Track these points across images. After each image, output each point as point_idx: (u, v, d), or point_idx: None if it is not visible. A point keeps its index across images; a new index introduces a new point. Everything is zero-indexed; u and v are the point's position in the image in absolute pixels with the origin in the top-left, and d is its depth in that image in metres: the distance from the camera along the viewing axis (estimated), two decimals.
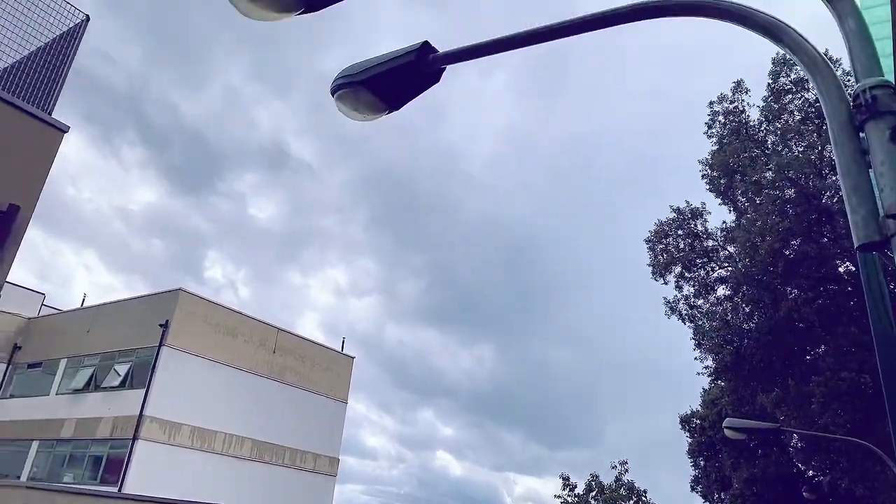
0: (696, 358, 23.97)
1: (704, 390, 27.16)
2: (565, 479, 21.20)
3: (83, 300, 33.83)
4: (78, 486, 20.36)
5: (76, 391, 25.81)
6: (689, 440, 27.08)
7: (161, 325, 24.14)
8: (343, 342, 37.11)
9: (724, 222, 23.86)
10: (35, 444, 25.98)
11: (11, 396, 28.62)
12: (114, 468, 22.64)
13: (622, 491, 20.82)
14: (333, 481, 28.88)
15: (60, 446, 25.22)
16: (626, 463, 20.89)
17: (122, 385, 24.40)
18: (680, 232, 24.21)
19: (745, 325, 21.75)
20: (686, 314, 24.06)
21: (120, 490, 21.00)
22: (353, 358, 32.35)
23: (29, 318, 30.97)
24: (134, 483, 21.19)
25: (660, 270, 24.06)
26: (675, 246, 24.26)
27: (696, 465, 26.86)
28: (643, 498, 20.43)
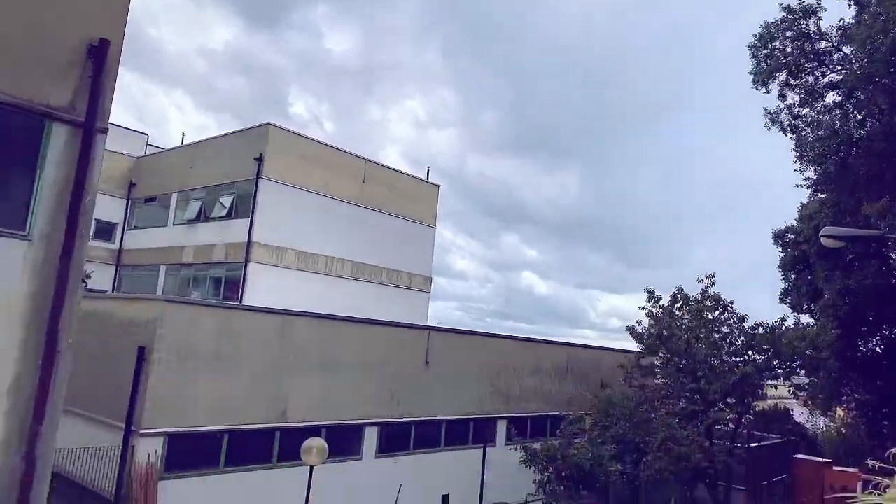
0: (795, 170, 22.76)
1: (802, 205, 26.09)
2: (650, 292, 21.67)
3: (182, 139, 35.70)
4: (205, 299, 23.08)
5: (190, 222, 28.23)
6: (782, 255, 26.67)
7: (256, 159, 25.31)
8: (428, 171, 37.68)
9: (841, 20, 21.21)
10: (163, 269, 29.21)
11: (136, 228, 31.77)
12: (232, 288, 25.29)
13: (708, 303, 21.16)
14: (427, 297, 31.09)
15: (184, 270, 28.24)
16: (713, 276, 20.95)
17: (229, 215, 26.37)
18: (788, 34, 21.81)
19: (854, 133, 20.12)
20: (788, 125, 22.45)
21: None
22: (438, 186, 33.06)
23: (137, 157, 33.26)
24: (250, 300, 23.69)
25: (763, 78, 22.17)
26: (782, 50, 22.03)
27: (786, 279, 26.68)
28: (729, 309, 20.71)
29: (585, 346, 26.85)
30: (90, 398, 14.57)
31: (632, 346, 22.39)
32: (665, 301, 21.17)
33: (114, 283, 31.37)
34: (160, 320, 14.02)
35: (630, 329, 21.67)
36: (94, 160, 9.39)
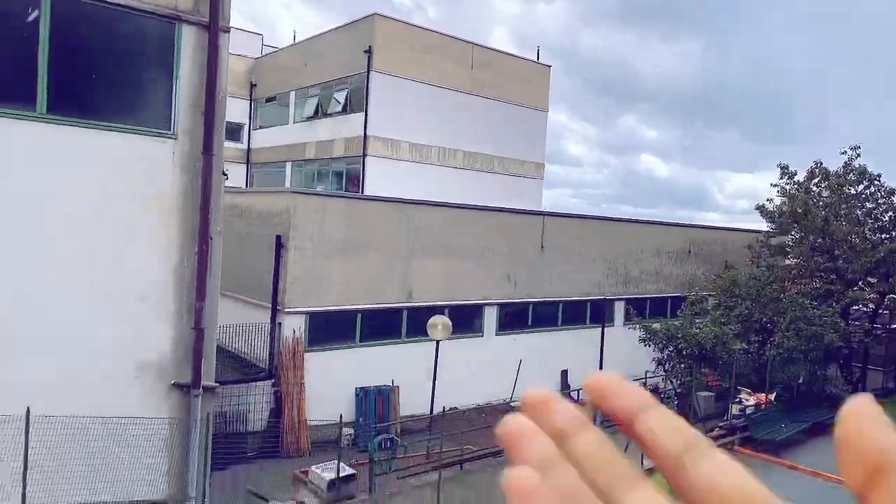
0: None
1: None
2: (783, 167, 20.16)
3: (294, 37, 36.33)
4: (329, 191, 24.42)
5: (309, 119, 29.31)
6: None
7: (365, 52, 25.39)
8: (538, 51, 36.01)
9: None
10: (289, 165, 30.91)
11: (261, 127, 33.52)
12: (353, 181, 26.42)
13: (851, 177, 19.40)
14: (541, 184, 30.81)
15: (308, 165, 29.74)
16: (859, 148, 19.02)
17: (344, 110, 27.05)
18: None
19: None
20: None
21: None
22: (549, 67, 31.66)
23: (255, 58, 34.43)
24: (370, 192, 24.70)
25: None
26: None
27: None
28: (876, 181, 18.88)
29: (709, 228, 25.78)
30: (240, 283, 16.27)
31: (761, 226, 21.24)
32: (801, 177, 19.63)
33: (246, 180, 33.74)
34: (293, 210, 15.11)
35: (760, 208, 20.48)
36: (221, 58, 9.94)
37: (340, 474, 11.11)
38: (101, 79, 9.37)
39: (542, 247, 19.60)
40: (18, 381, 7.77)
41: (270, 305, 15.09)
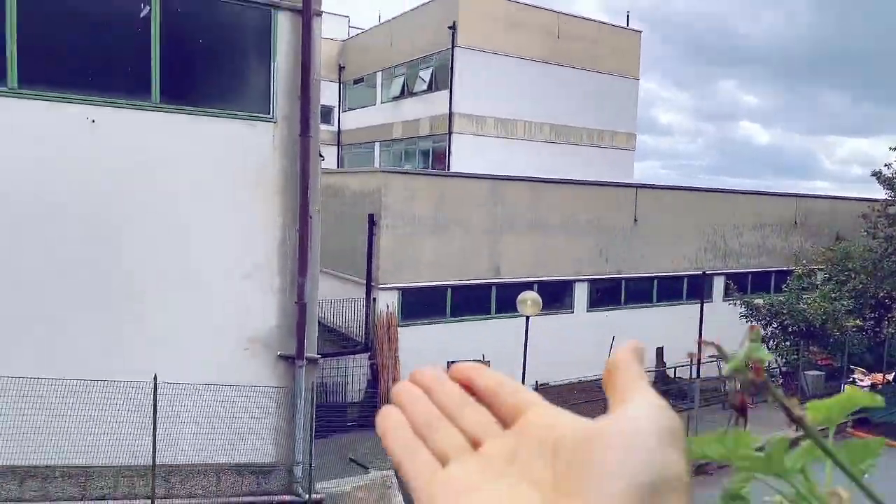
0: None
1: None
2: None
3: (379, 17, 36.74)
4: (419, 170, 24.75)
5: (395, 98, 29.69)
6: None
7: (449, 28, 25.32)
8: (627, 17, 34.58)
9: None
10: (377, 146, 31.52)
11: (349, 109, 34.31)
12: (439, 158, 26.61)
13: None
14: (632, 156, 29.81)
15: (395, 145, 30.20)
16: None
17: (429, 89, 27.18)
18: None
19: None
20: None
21: None
22: (639, 32, 30.36)
23: (343, 41, 35.15)
24: (456, 170, 24.79)
25: None
26: None
27: None
28: None
29: (817, 197, 24.08)
30: (336, 260, 16.86)
31: (877, 194, 19.63)
32: None
33: (337, 161, 34.74)
34: (384, 189, 15.44)
35: (877, 174, 18.93)
36: (314, 42, 10.24)
37: None
38: (207, 68, 9.89)
39: (636, 220, 19.03)
40: (146, 353, 8.48)
41: (365, 282, 15.58)
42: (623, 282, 19.15)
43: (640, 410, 0.36)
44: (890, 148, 18.41)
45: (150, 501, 8.04)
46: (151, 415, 7.74)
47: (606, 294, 18.90)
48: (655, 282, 19.69)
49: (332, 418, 13.26)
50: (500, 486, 0.36)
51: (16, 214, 8.14)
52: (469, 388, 0.43)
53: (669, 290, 19.98)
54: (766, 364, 0.53)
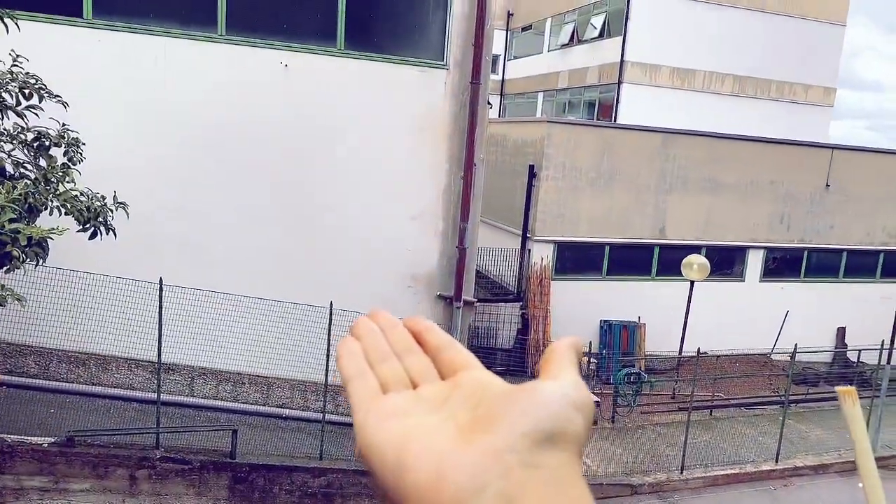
0: None
1: None
2: None
3: None
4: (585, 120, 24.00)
5: (563, 46, 28.75)
6: None
7: None
8: None
9: None
10: (541, 95, 30.94)
11: (515, 58, 33.86)
12: (605, 111, 25.54)
13: None
14: (829, 113, 26.48)
15: (560, 95, 29.43)
16: None
17: (600, 36, 25.92)
18: None
19: None
20: None
21: None
22: None
23: None
24: (625, 122, 23.65)
25: None
26: None
27: None
28: None
29: None
30: (494, 210, 17.06)
31: None
32: None
33: (499, 110, 34.66)
34: (547, 140, 15.20)
35: None
36: None
37: None
38: (386, 17, 10.22)
39: (828, 185, 17.03)
40: (321, 281, 9.29)
41: (521, 233, 15.63)
42: (805, 252, 17.36)
43: (557, 381, 0.42)
44: None
45: (321, 414, 8.93)
46: (326, 338, 8.51)
47: (784, 264, 17.28)
48: (845, 255, 17.62)
49: (483, 362, 13.67)
50: (425, 418, 0.42)
51: (218, 149, 9.15)
52: (419, 341, 0.49)
53: (860, 265, 17.79)
54: None
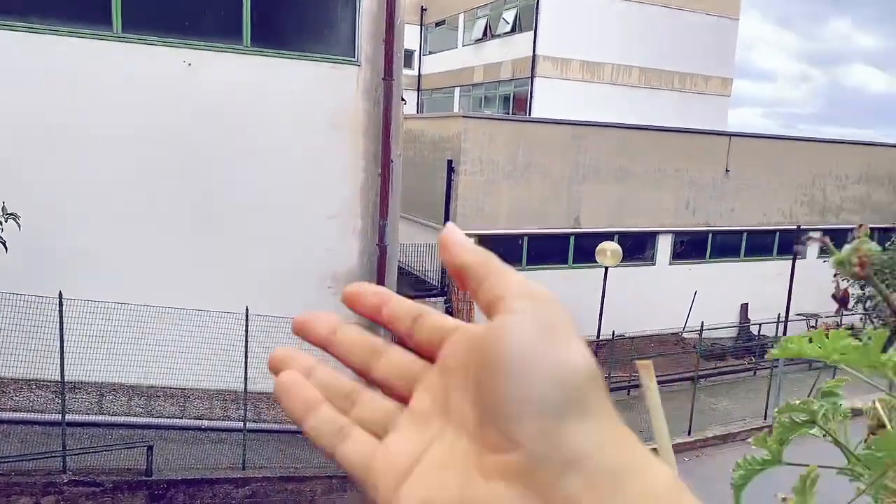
0: None
1: None
2: None
3: None
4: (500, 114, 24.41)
5: (477, 41, 29.09)
6: None
7: None
8: None
9: None
10: (457, 90, 31.18)
11: (430, 53, 33.95)
12: (520, 104, 26.06)
13: None
14: (727, 102, 28.11)
15: (476, 90, 29.78)
16: None
17: (513, 30, 26.41)
18: None
19: None
20: None
21: None
22: None
23: None
24: (538, 115, 24.22)
25: None
26: None
27: None
28: None
29: None
30: (415, 205, 17.08)
31: None
32: None
33: (417, 106, 34.69)
34: (463, 135, 15.36)
35: None
36: None
37: None
38: (295, 13, 10.01)
39: (727, 170, 18.10)
40: (241, 284, 9.02)
41: (442, 227, 15.74)
42: (710, 235, 18.42)
43: (523, 314, 0.32)
44: None
45: (242, 423, 8.69)
46: (244, 345, 8.28)
47: (691, 247, 18.26)
48: (745, 235, 18.82)
49: None
50: (437, 451, 0.32)
51: (118, 153, 8.71)
52: (377, 319, 0.38)
53: (759, 244, 19.06)
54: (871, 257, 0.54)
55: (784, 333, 14.30)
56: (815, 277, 18.33)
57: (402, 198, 14.66)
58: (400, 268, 16.86)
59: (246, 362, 8.30)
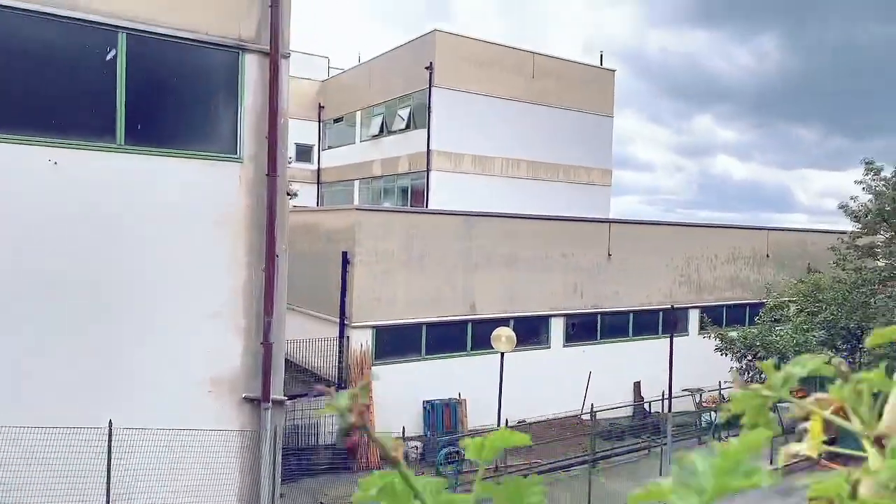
0: None
1: None
2: (868, 163, 18.98)
3: (359, 57, 37.35)
4: (394, 207, 24.86)
5: (374, 137, 30.01)
6: None
7: (426, 68, 25.80)
8: (601, 56, 35.53)
9: None
10: (357, 183, 31.69)
11: (329, 147, 34.56)
12: (418, 196, 26.79)
13: None
14: (608, 191, 30.22)
15: (375, 182, 30.39)
16: None
17: (407, 127, 27.54)
18: None
19: None
20: None
21: None
22: (613, 71, 31.13)
23: (322, 81, 35.61)
24: (435, 206, 24.95)
25: None
26: None
27: None
28: None
29: (788, 230, 24.50)
30: (311, 299, 16.77)
31: (847, 227, 20.00)
32: (888, 172, 18.38)
33: (317, 199, 34.82)
34: (357, 227, 15.47)
35: (843, 207, 19.33)
36: (282, 85, 10.35)
37: None
38: (173, 109, 9.95)
39: (609, 255, 19.19)
40: (109, 394, 8.30)
41: (339, 320, 15.47)
42: (599, 316, 19.20)
43: None
44: (854, 181, 18.85)
45: None
46: (105, 463, 7.53)
47: (583, 329, 18.91)
48: (631, 316, 19.77)
49: (303, 461, 12.99)
50: None
51: None
52: None
53: (645, 324, 20.05)
54: (368, 406, 0.56)
55: (669, 410, 14.83)
56: (698, 352, 19.40)
57: (298, 291, 14.38)
58: (296, 365, 16.27)
59: (108, 484, 7.52)
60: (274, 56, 10.06)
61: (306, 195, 32.61)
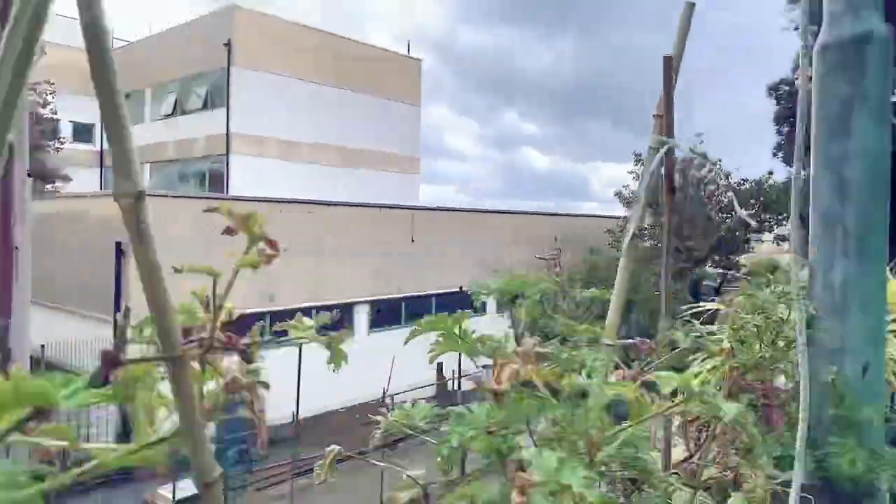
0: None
1: (796, 53, 24.89)
2: (638, 155, 21.36)
3: (150, 29, 33.91)
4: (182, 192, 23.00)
5: (167, 116, 27.49)
6: (776, 107, 25.91)
7: (224, 45, 24.13)
8: (409, 45, 35.96)
9: None
10: (148, 167, 28.84)
11: None
12: (217, 181, 25.07)
13: (696, 161, 20.87)
14: (416, 179, 30.81)
15: (169, 167, 27.90)
16: (702, 135, 20.58)
17: (205, 107, 25.59)
18: None
19: None
20: None
21: None
22: (419, 60, 31.68)
23: None
24: (235, 193, 23.53)
25: None
26: None
27: (779, 132, 26.10)
28: (715, 166, 20.43)
29: (574, 216, 26.89)
30: (79, 297, 14.86)
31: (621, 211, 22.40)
32: None
33: (101, 184, 31.15)
34: None
35: (618, 194, 21.59)
36: None
37: (183, 495, 10.43)
38: None
39: (413, 240, 19.51)
40: None
41: (112, 319, 13.88)
42: (403, 301, 19.47)
43: None
44: (627, 171, 21.17)
45: None
46: None
47: (388, 314, 19.06)
48: (434, 299, 20.33)
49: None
50: None
51: None
52: None
53: (448, 306, 20.64)
54: None
55: (459, 388, 15.52)
56: (496, 330, 20.51)
57: (63, 288, 12.61)
58: (62, 367, 14.32)
59: None
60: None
61: (86, 179, 29.00)
